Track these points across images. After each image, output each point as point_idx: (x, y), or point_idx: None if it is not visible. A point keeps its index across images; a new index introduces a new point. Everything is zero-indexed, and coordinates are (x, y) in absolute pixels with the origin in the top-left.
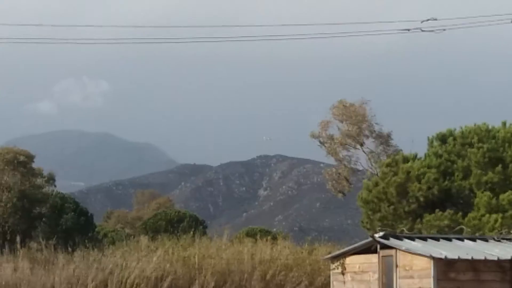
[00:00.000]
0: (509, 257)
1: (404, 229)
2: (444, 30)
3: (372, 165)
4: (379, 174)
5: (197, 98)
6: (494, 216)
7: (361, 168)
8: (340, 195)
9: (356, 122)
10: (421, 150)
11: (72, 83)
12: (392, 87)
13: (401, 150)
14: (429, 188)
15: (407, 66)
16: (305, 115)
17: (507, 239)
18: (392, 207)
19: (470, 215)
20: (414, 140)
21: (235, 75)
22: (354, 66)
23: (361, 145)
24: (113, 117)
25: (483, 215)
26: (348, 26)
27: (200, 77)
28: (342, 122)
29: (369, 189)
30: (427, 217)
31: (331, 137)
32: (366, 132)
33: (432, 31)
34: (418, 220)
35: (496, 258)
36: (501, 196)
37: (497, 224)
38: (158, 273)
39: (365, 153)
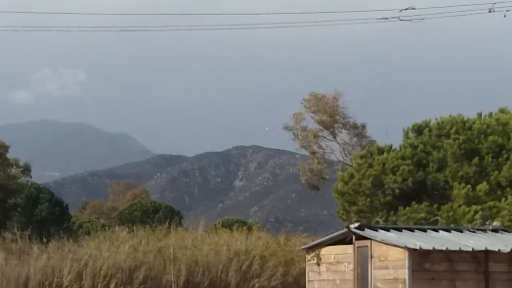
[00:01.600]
0: (483, 248)
1: (380, 220)
2: (423, 19)
3: (346, 156)
4: (353, 166)
5: (174, 88)
6: (474, 207)
7: (335, 160)
8: (314, 191)
9: (329, 114)
10: (396, 141)
11: (48, 72)
12: (369, 76)
13: (375, 141)
14: (403, 180)
15: (385, 56)
16: (281, 106)
17: (481, 230)
18: (368, 199)
19: (446, 206)
20: (389, 131)
21: (210, 64)
22: (332, 55)
23: (335, 136)
24: (89, 107)
25: (459, 206)
26: (326, 14)
27: (176, 66)
28: (314, 113)
29: (344, 180)
30: (403, 210)
31: (304, 129)
32: (339, 124)
33: (410, 20)
34: (393, 212)
35: (470, 249)
36: (478, 187)
37: (477, 216)
38: (132, 264)
39: (339, 145)
